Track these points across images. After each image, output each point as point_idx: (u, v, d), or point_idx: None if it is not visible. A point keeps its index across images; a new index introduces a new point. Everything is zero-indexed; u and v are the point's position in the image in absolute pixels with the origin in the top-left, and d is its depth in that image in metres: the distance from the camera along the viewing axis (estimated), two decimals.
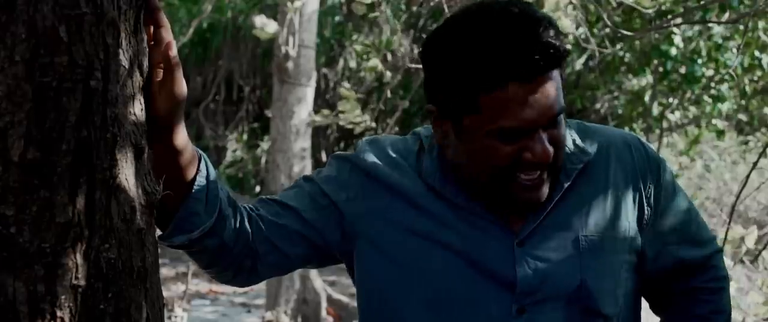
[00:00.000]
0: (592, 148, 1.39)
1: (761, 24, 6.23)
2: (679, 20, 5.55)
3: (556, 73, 1.26)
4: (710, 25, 6.29)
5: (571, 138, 1.39)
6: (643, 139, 1.48)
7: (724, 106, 7.73)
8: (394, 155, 1.43)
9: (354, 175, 1.43)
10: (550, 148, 1.28)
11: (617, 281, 1.38)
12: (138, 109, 1.12)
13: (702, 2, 5.29)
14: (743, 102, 7.93)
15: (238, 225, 1.36)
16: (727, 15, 5.80)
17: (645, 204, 1.41)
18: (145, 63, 1.14)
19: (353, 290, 1.49)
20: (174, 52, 1.17)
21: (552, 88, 1.25)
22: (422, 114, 10.33)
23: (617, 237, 1.38)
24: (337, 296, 6.38)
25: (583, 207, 1.37)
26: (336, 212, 1.41)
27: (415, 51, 4.27)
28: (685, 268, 1.46)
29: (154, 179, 1.15)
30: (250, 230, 1.38)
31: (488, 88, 1.24)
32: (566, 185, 1.36)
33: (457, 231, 1.36)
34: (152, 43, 1.17)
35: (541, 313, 1.34)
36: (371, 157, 1.43)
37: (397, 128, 10.03)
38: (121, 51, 1.06)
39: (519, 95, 1.23)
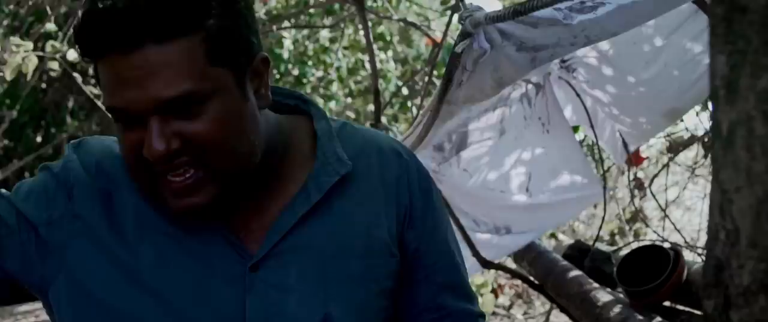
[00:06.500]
0: (350, 157, 1.17)
1: (361, 28, 6.80)
2: (287, 24, 5.87)
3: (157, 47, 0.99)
4: (317, 28, 6.73)
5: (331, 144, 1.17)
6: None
7: (334, 105, 8.33)
8: (105, 161, 1.13)
9: (59, 191, 1.11)
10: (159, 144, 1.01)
11: (372, 313, 1.16)
12: None
13: (309, 7, 5.65)
14: (350, 101, 8.60)
15: None
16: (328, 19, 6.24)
17: (406, 224, 1.19)
18: None
19: None
20: None
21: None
22: (34, 124, 9.74)
23: (374, 261, 1.16)
24: None
25: (335, 226, 1.14)
26: (31, 237, 1.10)
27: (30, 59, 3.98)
28: (447, 317, 1.24)
29: None
30: None
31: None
32: (316, 200, 1.13)
33: (177, 261, 1.10)
34: None
35: None
36: (76, 167, 1.12)
37: (6, 141, 9.30)
38: None
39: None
